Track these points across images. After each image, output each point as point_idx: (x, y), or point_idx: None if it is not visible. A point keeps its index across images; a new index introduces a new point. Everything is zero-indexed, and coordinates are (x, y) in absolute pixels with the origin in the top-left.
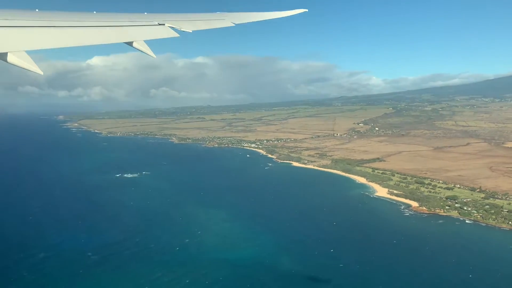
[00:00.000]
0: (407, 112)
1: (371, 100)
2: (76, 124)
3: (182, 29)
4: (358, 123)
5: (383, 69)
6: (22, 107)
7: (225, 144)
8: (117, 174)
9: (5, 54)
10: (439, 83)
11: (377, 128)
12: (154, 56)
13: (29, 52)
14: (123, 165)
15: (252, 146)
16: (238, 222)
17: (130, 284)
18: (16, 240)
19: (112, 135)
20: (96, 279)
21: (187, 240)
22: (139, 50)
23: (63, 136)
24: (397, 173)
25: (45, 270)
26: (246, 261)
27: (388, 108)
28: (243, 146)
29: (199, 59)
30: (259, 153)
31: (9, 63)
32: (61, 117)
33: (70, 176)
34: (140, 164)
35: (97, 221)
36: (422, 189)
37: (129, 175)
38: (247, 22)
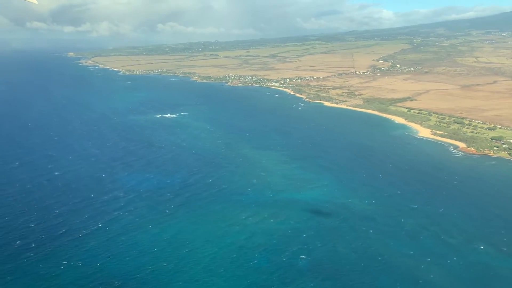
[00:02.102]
0: (425, 48)
1: (384, 35)
2: (90, 62)
3: None
4: (377, 60)
5: (394, 1)
6: (28, 43)
7: (248, 83)
8: (156, 114)
9: None
10: (453, 16)
11: (398, 65)
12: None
13: None
14: (157, 105)
15: (277, 85)
16: (294, 163)
17: (222, 224)
18: (90, 183)
19: (131, 73)
20: (186, 220)
21: (254, 181)
22: None
23: (83, 75)
24: (433, 112)
25: (136, 211)
26: (320, 202)
27: (404, 44)
28: (268, 85)
29: None
30: (286, 92)
31: None
32: (71, 54)
33: (111, 117)
34: (174, 104)
35: (161, 163)
36: (464, 129)
37: (168, 116)
38: None
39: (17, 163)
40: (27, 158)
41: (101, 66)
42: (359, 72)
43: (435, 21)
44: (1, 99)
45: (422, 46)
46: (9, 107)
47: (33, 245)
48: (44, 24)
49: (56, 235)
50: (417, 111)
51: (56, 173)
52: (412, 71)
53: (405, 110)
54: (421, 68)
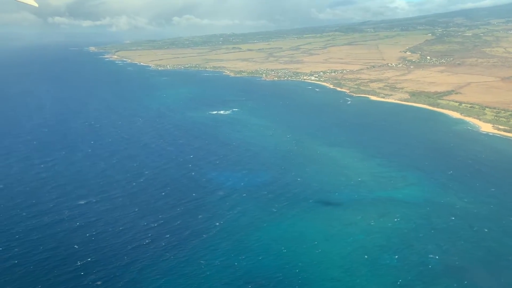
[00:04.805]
0: (449, 38)
1: (403, 25)
2: (116, 56)
3: None
4: (405, 51)
5: None
6: (46, 37)
7: (283, 77)
8: (211, 111)
9: None
10: (469, 4)
11: (428, 57)
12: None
13: None
14: (206, 101)
15: (312, 78)
16: (374, 161)
17: (337, 224)
18: (187, 182)
19: (162, 68)
20: (301, 220)
21: (343, 179)
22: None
23: (116, 70)
24: (486, 106)
25: (246, 211)
26: (420, 200)
27: (427, 34)
28: (303, 79)
29: None
30: (325, 86)
31: None
32: (92, 48)
33: (169, 114)
34: (222, 100)
35: (246, 162)
36: None
37: (223, 112)
38: None
39: (102, 164)
40: (112, 159)
41: (128, 61)
42: (391, 64)
43: (451, 10)
44: (53, 98)
45: (446, 37)
46: (64, 106)
47: (163, 244)
48: (65, 19)
49: (183, 236)
50: (469, 105)
51: (146, 172)
52: (444, 62)
53: (456, 104)
54: (452, 60)
